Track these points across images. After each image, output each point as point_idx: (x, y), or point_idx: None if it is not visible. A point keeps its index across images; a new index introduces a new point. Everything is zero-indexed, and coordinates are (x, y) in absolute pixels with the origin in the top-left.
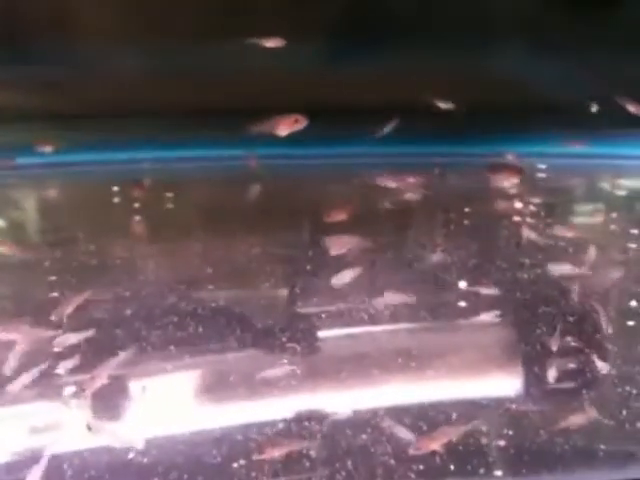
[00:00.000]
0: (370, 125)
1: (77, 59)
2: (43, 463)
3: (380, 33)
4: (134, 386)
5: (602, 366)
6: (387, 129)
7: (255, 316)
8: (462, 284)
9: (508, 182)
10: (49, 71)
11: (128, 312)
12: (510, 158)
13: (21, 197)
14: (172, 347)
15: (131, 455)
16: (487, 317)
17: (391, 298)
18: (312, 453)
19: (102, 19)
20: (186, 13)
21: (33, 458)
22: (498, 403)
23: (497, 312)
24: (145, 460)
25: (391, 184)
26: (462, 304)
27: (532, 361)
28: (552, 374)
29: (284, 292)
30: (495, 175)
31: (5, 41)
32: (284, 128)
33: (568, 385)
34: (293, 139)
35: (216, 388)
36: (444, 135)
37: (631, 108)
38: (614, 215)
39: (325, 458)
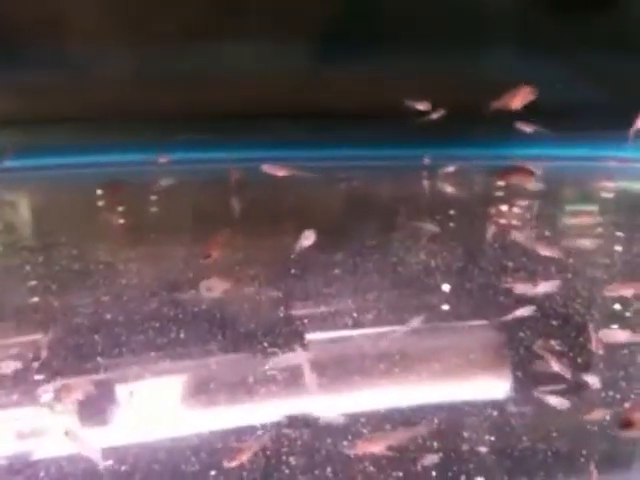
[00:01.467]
0: (363, 128)
1: (64, 63)
2: None
3: (372, 36)
4: (118, 391)
5: (586, 370)
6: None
7: (238, 320)
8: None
9: (520, 184)
10: (37, 75)
11: (109, 317)
12: (520, 161)
13: (4, 200)
14: (153, 352)
15: (110, 462)
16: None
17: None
18: (293, 458)
19: (91, 23)
20: (174, 17)
21: (9, 465)
22: (479, 408)
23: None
24: (124, 467)
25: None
26: (446, 307)
27: (516, 365)
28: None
29: (268, 296)
30: (507, 178)
31: None
32: (519, 101)
33: (551, 389)
34: (279, 142)
35: (198, 394)
36: (434, 138)
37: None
38: (602, 217)
39: (305, 464)
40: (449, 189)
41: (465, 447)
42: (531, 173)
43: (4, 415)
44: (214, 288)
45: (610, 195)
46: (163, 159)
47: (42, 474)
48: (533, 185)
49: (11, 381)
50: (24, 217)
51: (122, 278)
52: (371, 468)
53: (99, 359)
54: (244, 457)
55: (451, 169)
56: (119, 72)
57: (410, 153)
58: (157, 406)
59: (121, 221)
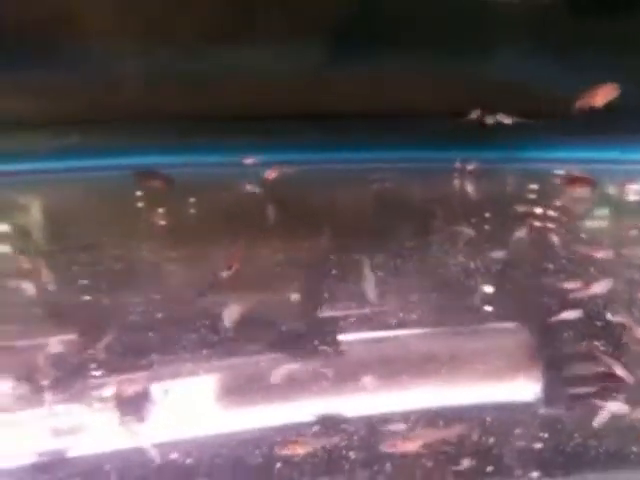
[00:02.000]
0: (393, 129)
1: (82, 64)
2: None
3: (386, 36)
4: (165, 389)
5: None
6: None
7: (282, 320)
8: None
9: (580, 193)
10: (60, 76)
11: (155, 317)
12: (577, 170)
13: (40, 202)
14: (201, 351)
15: (174, 456)
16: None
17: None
18: (341, 455)
19: (110, 25)
20: (187, 18)
21: (62, 459)
22: (522, 408)
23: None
24: (188, 460)
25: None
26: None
27: (557, 366)
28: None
29: (310, 296)
30: (569, 186)
31: (14, 46)
32: (601, 98)
33: (592, 390)
34: (300, 144)
35: (244, 391)
36: (455, 140)
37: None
38: (629, 220)
39: (357, 460)
40: (480, 191)
41: (513, 447)
42: (593, 183)
43: (63, 410)
44: (234, 315)
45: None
46: (249, 160)
47: (102, 468)
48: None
49: (68, 378)
50: (47, 220)
51: (162, 279)
52: (428, 464)
53: (152, 356)
54: (299, 450)
55: (480, 170)
56: (135, 74)
57: (438, 155)
58: (208, 403)
59: (159, 223)
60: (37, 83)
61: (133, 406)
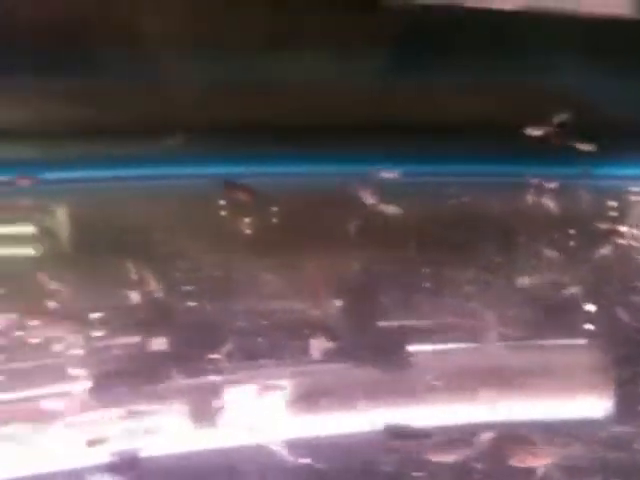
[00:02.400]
0: (453, 143)
1: (136, 71)
2: None
3: (448, 48)
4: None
5: None
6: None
7: (368, 331)
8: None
9: None
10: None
11: (260, 323)
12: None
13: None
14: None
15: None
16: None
17: None
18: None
19: (167, 31)
20: (236, 26)
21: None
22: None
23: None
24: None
25: None
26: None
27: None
28: None
29: (397, 308)
30: None
31: (69, 51)
32: None
33: None
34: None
35: (325, 399)
36: (529, 155)
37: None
38: None
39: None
40: (558, 207)
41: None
42: None
43: (177, 409)
44: (323, 346)
45: None
46: (389, 174)
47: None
48: None
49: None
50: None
51: (256, 287)
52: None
53: (260, 360)
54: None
55: (557, 186)
56: (193, 82)
57: (512, 170)
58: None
59: (245, 232)
60: (120, 90)
61: (250, 408)
